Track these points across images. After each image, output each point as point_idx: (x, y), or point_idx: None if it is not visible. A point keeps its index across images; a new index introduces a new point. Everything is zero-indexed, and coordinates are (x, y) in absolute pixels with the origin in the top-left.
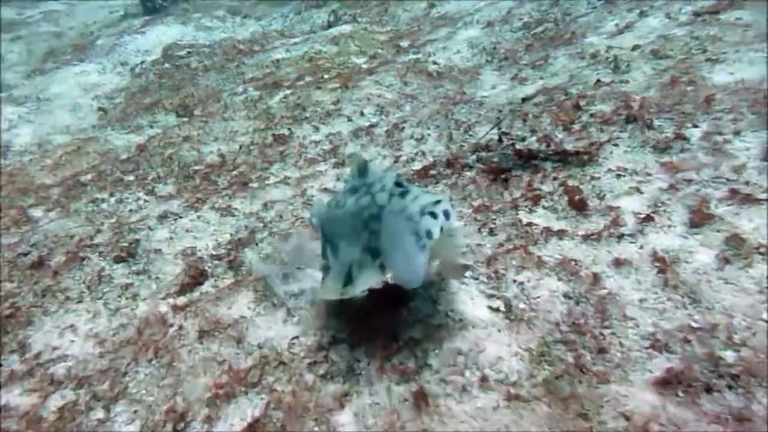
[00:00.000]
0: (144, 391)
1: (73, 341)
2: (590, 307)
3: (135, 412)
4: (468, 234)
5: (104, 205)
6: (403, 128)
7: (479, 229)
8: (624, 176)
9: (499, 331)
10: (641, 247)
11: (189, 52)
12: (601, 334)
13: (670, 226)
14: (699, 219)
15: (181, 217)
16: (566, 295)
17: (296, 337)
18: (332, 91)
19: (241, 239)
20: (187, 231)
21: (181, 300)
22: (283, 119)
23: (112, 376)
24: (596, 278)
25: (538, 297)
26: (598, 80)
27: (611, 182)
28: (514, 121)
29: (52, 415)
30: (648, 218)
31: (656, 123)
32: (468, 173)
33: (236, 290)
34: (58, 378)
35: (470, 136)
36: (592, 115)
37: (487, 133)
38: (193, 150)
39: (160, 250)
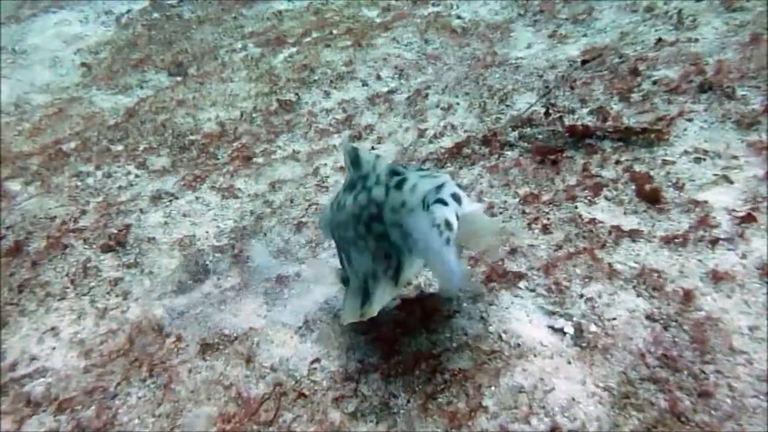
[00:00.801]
0: (137, 420)
1: (53, 348)
2: (684, 335)
3: None
4: (515, 231)
5: (90, 180)
6: (427, 95)
7: (529, 225)
8: (704, 160)
9: (569, 362)
10: (744, 257)
11: (180, 1)
12: (702, 371)
13: None
14: None
15: (176, 198)
16: (650, 317)
17: (317, 360)
18: (343, 50)
19: (247, 228)
20: (184, 215)
21: (179, 302)
22: (289, 82)
23: (99, 398)
24: (688, 296)
25: (614, 318)
26: (660, 39)
27: (690, 168)
28: (559, 88)
29: None
30: (748, 217)
31: (738, 92)
32: (509, 153)
33: (243, 293)
34: (35, 398)
35: (507, 106)
36: (655, 83)
37: (532, 105)
38: (189, 117)
39: (153, 238)
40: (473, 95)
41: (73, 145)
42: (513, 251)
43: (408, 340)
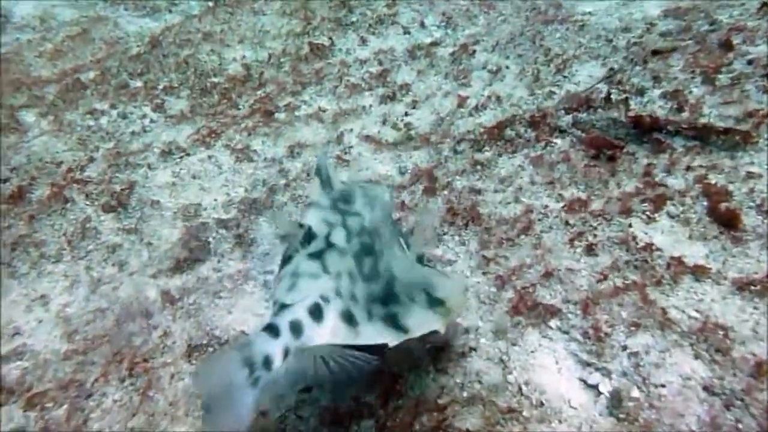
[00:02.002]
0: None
1: (39, 322)
2: (750, 420)
3: None
4: (554, 245)
5: (103, 121)
6: (474, 52)
7: (572, 242)
8: None
9: None
10: None
11: None
12: None
13: None
14: None
15: (188, 155)
16: (709, 389)
17: (308, 389)
18: None
19: (257, 201)
20: (194, 177)
21: (174, 283)
22: (324, 22)
23: (73, 396)
24: (761, 368)
25: (663, 384)
26: (765, 3)
27: None
28: (630, 62)
29: None
30: None
31: None
32: (559, 142)
33: (242, 283)
34: (9, 384)
35: (565, 77)
36: (750, 62)
37: (593, 87)
38: (214, 54)
39: (158, 202)
40: (526, 58)
41: (92, 75)
42: (548, 275)
43: (413, 379)
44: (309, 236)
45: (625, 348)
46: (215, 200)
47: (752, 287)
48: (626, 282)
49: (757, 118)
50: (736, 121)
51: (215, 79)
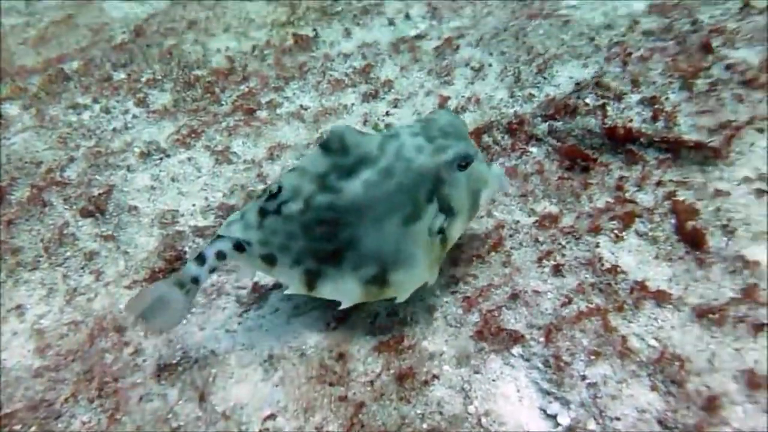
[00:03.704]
0: None
1: (14, 335)
2: None
3: None
4: (523, 263)
5: (85, 116)
6: (458, 47)
7: (539, 261)
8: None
9: None
10: None
11: None
12: None
13: None
14: None
15: (168, 156)
16: (663, 423)
17: (272, 416)
18: None
19: (234, 208)
20: (173, 180)
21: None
22: (309, 11)
23: (42, 417)
24: (712, 403)
25: (618, 418)
26: (747, 3)
27: (747, 205)
28: (610, 61)
29: None
30: None
31: None
32: (534, 150)
33: (214, 299)
34: None
35: (545, 80)
36: (728, 68)
37: (573, 94)
38: (198, 44)
39: (136, 207)
40: (509, 56)
41: (75, 65)
42: (514, 297)
43: (376, 408)
44: (275, 193)
45: (584, 378)
46: (193, 205)
47: (711, 315)
48: (590, 307)
49: (729, 130)
50: (709, 132)
51: (199, 72)
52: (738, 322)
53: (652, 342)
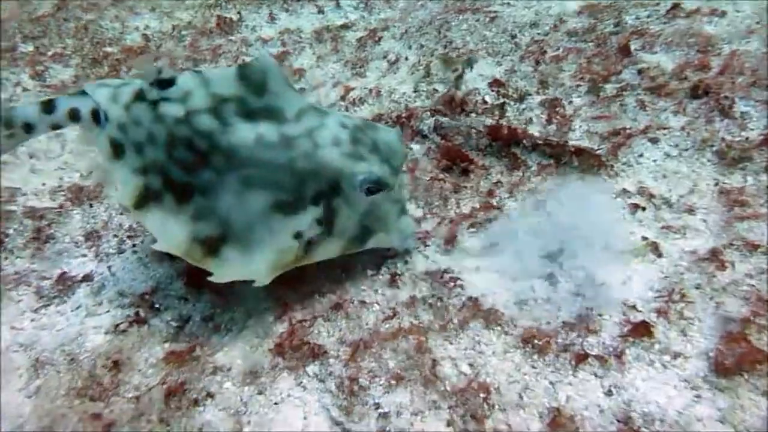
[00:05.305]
0: None
1: None
2: None
3: None
4: (361, 270)
5: None
6: (381, 39)
7: (378, 268)
8: (644, 209)
9: None
10: (609, 393)
11: None
12: None
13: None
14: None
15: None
16: None
17: None
18: None
19: (84, 189)
20: (31, 156)
21: None
22: None
23: None
24: None
25: None
26: (676, 5)
27: (618, 219)
28: (523, 60)
29: None
30: (640, 328)
31: (739, 106)
32: (416, 147)
33: (13, 287)
34: None
35: (455, 72)
36: (640, 72)
37: (474, 91)
38: (117, 21)
39: None
40: (426, 50)
41: None
42: (337, 307)
43: (126, 430)
44: (163, 83)
45: (377, 406)
46: (43, 185)
47: (536, 341)
48: (413, 324)
49: (621, 137)
50: (600, 139)
51: (110, 49)
52: (562, 351)
53: (465, 368)
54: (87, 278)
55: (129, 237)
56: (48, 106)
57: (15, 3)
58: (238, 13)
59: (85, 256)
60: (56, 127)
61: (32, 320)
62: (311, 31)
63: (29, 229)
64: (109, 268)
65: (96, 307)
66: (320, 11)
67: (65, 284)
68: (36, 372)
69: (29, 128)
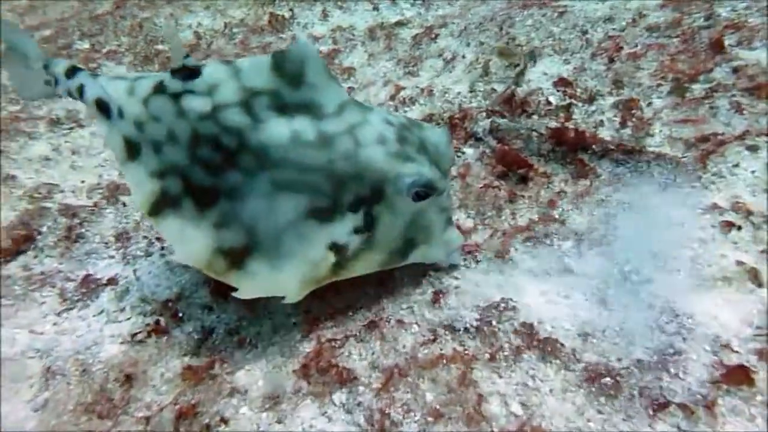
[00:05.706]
0: None
1: None
2: None
3: None
4: (403, 286)
5: None
6: (437, 36)
7: (420, 285)
8: (738, 229)
9: None
10: None
11: None
12: None
13: None
14: None
15: (81, 126)
16: None
17: None
18: None
19: (120, 188)
20: (73, 152)
21: None
22: None
23: None
24: None
25: None
26: None
27: (704, 240)
28: (594, 57)
29: None
30: (737, 374)
31: None
32: (469, 152)
33: (35, 288)
34: None
35: (516, 68)
36: (735, 71)
37: (537, 91)
38: (171, 19)
39: (14, 177)
40: (486, 47)
41: (47, 33)
42: (371, 326)
43: None
44: (189, 74)
45: None
46: (83, 182)
47: (604, 380)
48: (457, 350)
49: (711, 144)
50: (686, 146)
51: (162, 47)
52: (636, 395)
53: (516, 408)
54: (112, 281)
55: (158, 239)
56: (72, 72)
57: (77, 2)
58: (290, 10)
59: (112, 257)
60: (69, 94)
61: (54, 324)
62: (365, 28)
63: (61, 227)
64: (134, 271)
65: (117, 314)
66: (375, 8)
67: (89, 287)
68: (46, 383)
69: (54, 83)
